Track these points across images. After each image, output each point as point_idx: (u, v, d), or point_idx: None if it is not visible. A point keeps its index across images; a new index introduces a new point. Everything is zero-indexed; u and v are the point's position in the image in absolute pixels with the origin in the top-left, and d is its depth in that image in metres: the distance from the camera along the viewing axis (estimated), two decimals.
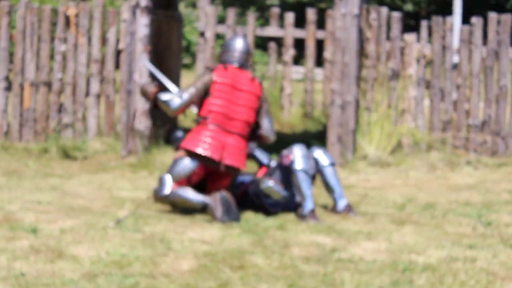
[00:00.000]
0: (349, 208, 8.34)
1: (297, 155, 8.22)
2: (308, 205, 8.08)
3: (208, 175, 8.49)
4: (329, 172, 8.42)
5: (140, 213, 8.15)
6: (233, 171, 8.45)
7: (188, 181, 8.26)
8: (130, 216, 7.95)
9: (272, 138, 8.67)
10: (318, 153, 8.48)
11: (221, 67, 8.47)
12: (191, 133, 8.39)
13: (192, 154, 8.26)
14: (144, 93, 8.75)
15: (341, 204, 8.36)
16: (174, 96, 8.39)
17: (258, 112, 8.50)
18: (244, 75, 8.51)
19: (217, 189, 8.38)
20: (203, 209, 8.08)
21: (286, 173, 8.30)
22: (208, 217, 8.03)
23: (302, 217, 8.05)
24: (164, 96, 8.43)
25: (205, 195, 8.22)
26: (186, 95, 8.33)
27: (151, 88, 8.63)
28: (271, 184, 8.16)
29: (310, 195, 8.15)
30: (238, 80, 8.43)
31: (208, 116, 8.32)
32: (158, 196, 8.30)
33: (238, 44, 8.63)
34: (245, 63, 8.58)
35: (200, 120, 8.36)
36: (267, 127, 8.56)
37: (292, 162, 8.19)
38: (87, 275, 6.05)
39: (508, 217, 8.32)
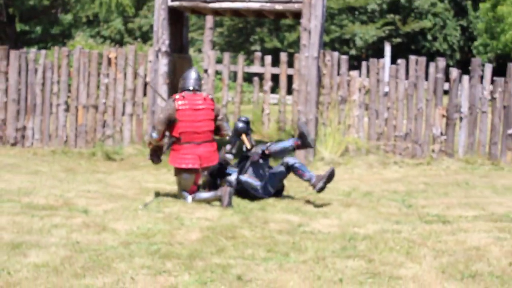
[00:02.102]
0: (320, 177, 8.22)
1: (258, 147, 8.49)
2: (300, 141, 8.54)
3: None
4: (298, 165, 8.36)
5: (161, 199, 8.15)
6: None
7: (194, 184, 8.22)
8: (154, 201, 7.96)
9: (229, 133, 8.52)
10: (288, 159, 8.42)
11: (180, 96, 8.21)
12: (174, 152, 8.21)
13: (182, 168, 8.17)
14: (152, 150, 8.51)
15: (313, 179, 8.23)
16: (153, 131, 8.19)
17: (216, 119, 8.34)
18: (199, 96, 8.27)
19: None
20: (219, 199, 8.00)
21: (257, 167, 8.38)
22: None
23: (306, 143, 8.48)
24: (150, 134, 8.26)
25: (215, 190, 8.17)
26: (160, 127, 8.15)
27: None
28: (244, 179, 8.29)
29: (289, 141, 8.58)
30: (195, 102, 8.19)
31: (180, 136, 8.15)
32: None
33: (192, 74, 8.37)
34: (198, 87, 8.34)
35: (175, 140, 8.18)
36: (225, 128, 8.41)
37: (263, 154, 8.41)
38: (123, 243, 6.05)
39: (423, 201, 8.34)
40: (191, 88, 8.29)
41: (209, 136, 8.31)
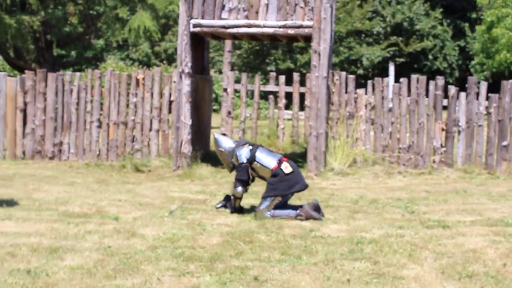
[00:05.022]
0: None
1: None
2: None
3: None
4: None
5: (185, 206, 8.19)
6: None
7: None
8: (178, 209, 7.99)
9: None
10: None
11: None
12: None
13: None
14: None
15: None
16: None
17: None
18: None
19: None
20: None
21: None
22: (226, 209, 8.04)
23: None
24: None
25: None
26: None
27: None
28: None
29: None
30: None
31: None
32: None
33: None
34: None
35: None
36: None
37: None
38: (150, 247, 6.09)
39: (425, 208, 8.33)
40: None
41: None
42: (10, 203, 8.08)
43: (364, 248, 6.16)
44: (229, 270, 5.37)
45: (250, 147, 7.84)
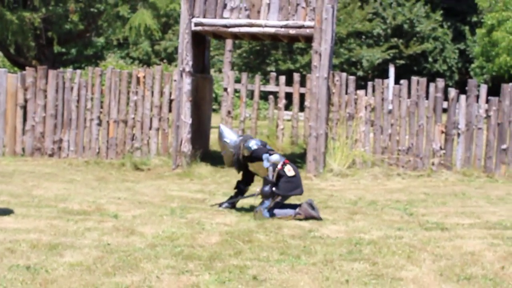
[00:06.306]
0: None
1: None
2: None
3: None
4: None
5: (184, 205, 8.19)
6: None
7: None
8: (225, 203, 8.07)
9: None
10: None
11: None
12: None
13: None
14: None
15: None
16: None
17: None
18: None
19: None
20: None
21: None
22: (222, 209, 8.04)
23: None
24: None
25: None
26: None
27: None
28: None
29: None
30: None
31: None
32: None
33: None
34: None
35: None
36: None
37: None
38: (149, 245, 6.10)
39: (423, 210, 8.34)
40: None
41: None
42: (10, 199, 8.08)
43: (363, 249, 6.17)
44: (228, 269, 5.37)
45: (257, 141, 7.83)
